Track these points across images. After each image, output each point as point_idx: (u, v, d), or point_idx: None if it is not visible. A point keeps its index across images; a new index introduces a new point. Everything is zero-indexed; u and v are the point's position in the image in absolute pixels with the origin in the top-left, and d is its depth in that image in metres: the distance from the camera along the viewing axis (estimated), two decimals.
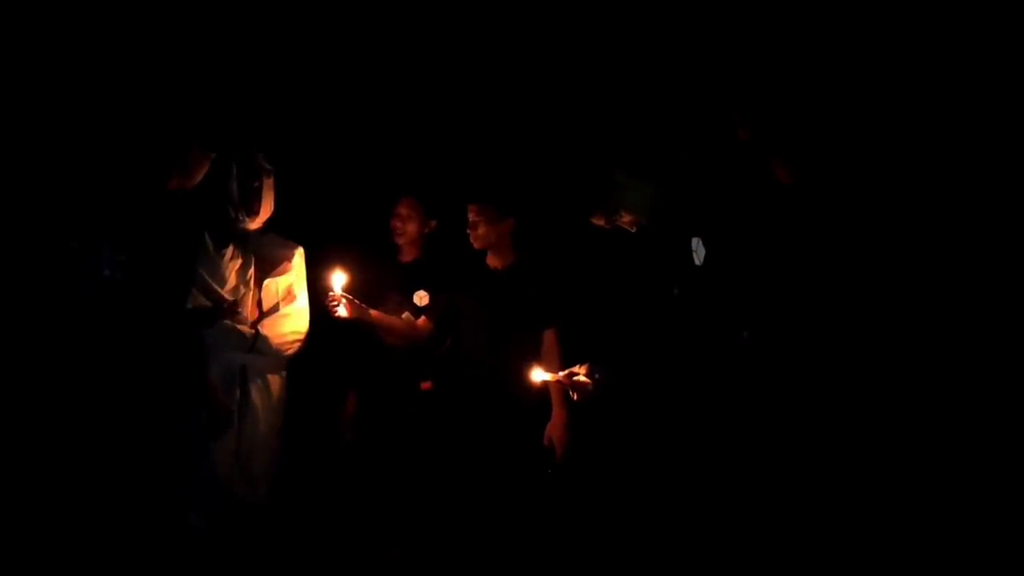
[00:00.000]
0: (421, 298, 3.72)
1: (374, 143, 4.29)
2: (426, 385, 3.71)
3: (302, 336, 3.42)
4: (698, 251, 2.87)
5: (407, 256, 3.91)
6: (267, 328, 3.34)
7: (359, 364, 3.79)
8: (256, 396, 3.31)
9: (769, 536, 2.62)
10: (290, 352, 3.40)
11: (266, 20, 4.04)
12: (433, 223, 3.89)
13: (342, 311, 3.28)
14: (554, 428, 3.37)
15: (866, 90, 2.81)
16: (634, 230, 3.11)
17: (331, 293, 3.28)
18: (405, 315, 3.62)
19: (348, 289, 3.32)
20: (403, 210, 3.87)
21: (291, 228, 3.58)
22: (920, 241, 2.56)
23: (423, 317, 3.62)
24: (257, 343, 3.31)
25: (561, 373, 3.12)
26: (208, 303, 3.23)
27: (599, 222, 3.16)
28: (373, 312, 3.43)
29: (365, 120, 4.28)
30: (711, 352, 2.77)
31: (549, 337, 3.45)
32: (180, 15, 3.84)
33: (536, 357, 3.33)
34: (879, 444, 2.52)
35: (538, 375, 3.16)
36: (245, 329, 3.29)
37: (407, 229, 3.86)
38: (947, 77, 2.77)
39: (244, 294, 3.33)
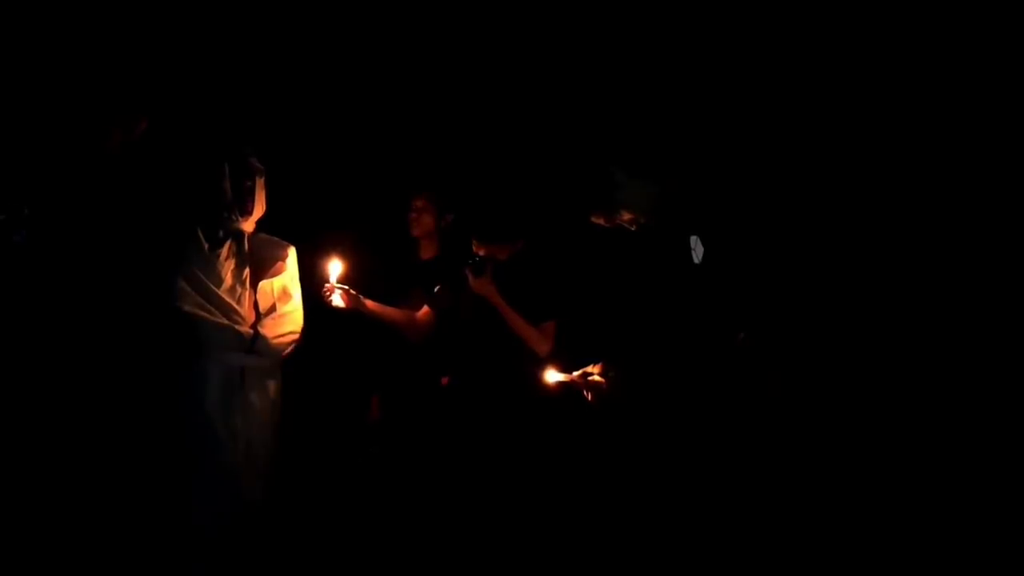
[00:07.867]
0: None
1: (388, 140, 4.34)
2: (445, 380, 3.71)
3: (298, 335, 3.42)
4: (696, 249, 2.83)
5: (426, 253, 3.94)
6: (266, 329, 3.33)
7: (380, 367, 3.82)
8: (256, 397, 3.30)
9: (768, 534, 2.61)
10: (287, 352, 3.40)
11: (276, 18, 4.05)
12: (449, 218, 3.89)
13: (337, 301, 3.26)
14: None
15: (864, 92, 2.73)
16: (634, 228, 3.07)
17: (327, 284, 3.27)
18: (424, 310, 3.61)
19: (344, 279, 3.30)
20: (418, 203, 3.89)
21: (299, 224, 3.59)
22: (916, 244, 2.50)
23: (424, 308, 3.59)
24: (256, 344, 3.29)
25: (575, 373, 3.12)
26: (206, 303, 3.24)
27: (599, 220, 3.13)
28: (369, 303, 3.41)
29: (378, 118, 4.33)
30: (708, 352, 2.75)
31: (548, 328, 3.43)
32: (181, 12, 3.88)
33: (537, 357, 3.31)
34: (875, 443, 2.49)
35: (552, 376, 3.15)
36: (244, 330, 3.28)
37: (422, 221, 3.88)
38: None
39: (240, 294, 3.34)
